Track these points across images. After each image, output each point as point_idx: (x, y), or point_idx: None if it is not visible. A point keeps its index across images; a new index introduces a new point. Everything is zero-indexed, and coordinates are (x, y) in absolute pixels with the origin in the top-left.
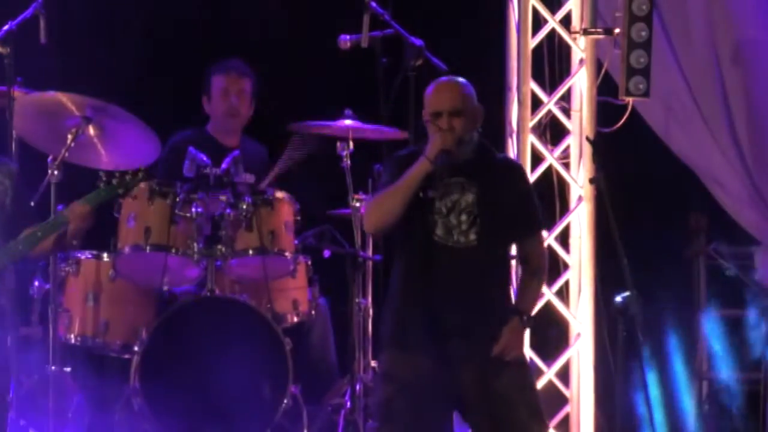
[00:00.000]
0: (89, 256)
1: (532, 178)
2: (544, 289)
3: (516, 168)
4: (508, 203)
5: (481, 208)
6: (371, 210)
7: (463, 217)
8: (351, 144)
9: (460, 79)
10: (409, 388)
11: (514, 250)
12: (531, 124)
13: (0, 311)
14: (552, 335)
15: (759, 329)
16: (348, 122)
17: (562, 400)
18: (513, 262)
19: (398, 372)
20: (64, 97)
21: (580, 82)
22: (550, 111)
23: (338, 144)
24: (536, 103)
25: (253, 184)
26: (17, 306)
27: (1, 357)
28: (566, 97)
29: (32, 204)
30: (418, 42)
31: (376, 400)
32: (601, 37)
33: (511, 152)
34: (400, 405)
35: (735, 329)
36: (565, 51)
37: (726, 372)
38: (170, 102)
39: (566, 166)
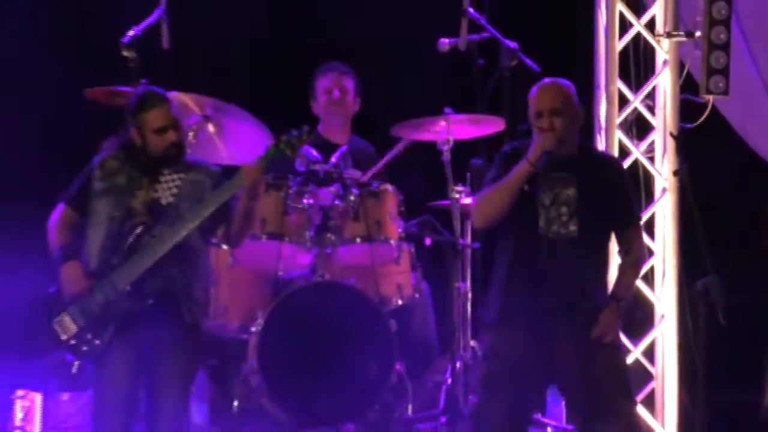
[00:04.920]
0: (210, 244)
1: None
2: None
3: (614, 163)
4: (607, 197)
5: (581, 201)
6: (479, 207)
7: (564, 209)
8: (451, 139)
9: (562, 81)
10: (511, 364)
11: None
12: (618, 120)
13: (194, 302)
14: (638, 316)
15: None
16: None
17: (648, 377)
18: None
19: (502, 350)
20: (186, 98)
21: (664, 82)
22: (636, 108)
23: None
24: (623, 101)
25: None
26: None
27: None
28: (651, 96)
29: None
30: (513, 44)
31: (479, 375)
32: (683, 39)
33: (600, 147)
34: (501, 379)
35: None
36: (649, 53)
37: None
38: (283, 105)
39: (651, 159)
